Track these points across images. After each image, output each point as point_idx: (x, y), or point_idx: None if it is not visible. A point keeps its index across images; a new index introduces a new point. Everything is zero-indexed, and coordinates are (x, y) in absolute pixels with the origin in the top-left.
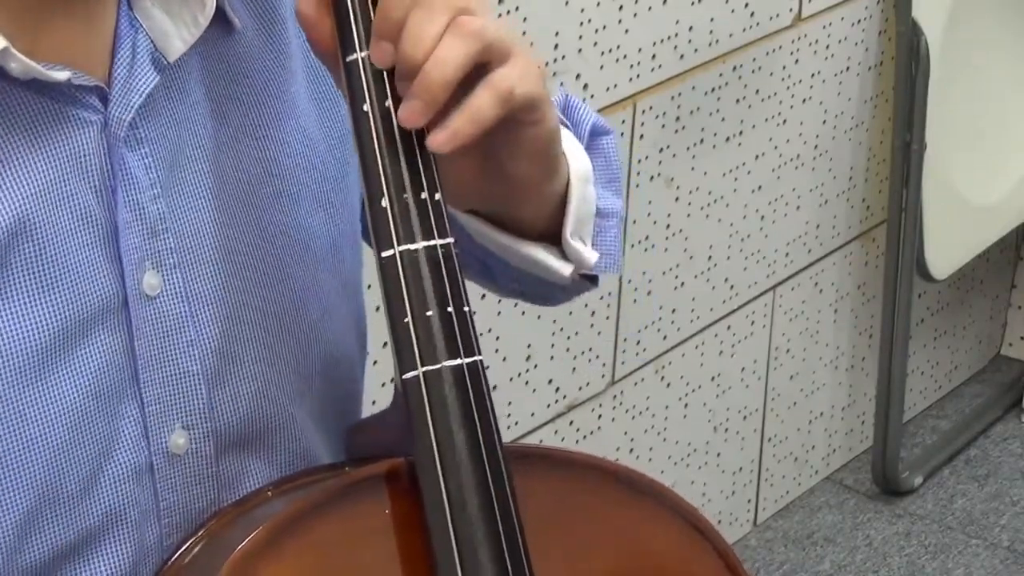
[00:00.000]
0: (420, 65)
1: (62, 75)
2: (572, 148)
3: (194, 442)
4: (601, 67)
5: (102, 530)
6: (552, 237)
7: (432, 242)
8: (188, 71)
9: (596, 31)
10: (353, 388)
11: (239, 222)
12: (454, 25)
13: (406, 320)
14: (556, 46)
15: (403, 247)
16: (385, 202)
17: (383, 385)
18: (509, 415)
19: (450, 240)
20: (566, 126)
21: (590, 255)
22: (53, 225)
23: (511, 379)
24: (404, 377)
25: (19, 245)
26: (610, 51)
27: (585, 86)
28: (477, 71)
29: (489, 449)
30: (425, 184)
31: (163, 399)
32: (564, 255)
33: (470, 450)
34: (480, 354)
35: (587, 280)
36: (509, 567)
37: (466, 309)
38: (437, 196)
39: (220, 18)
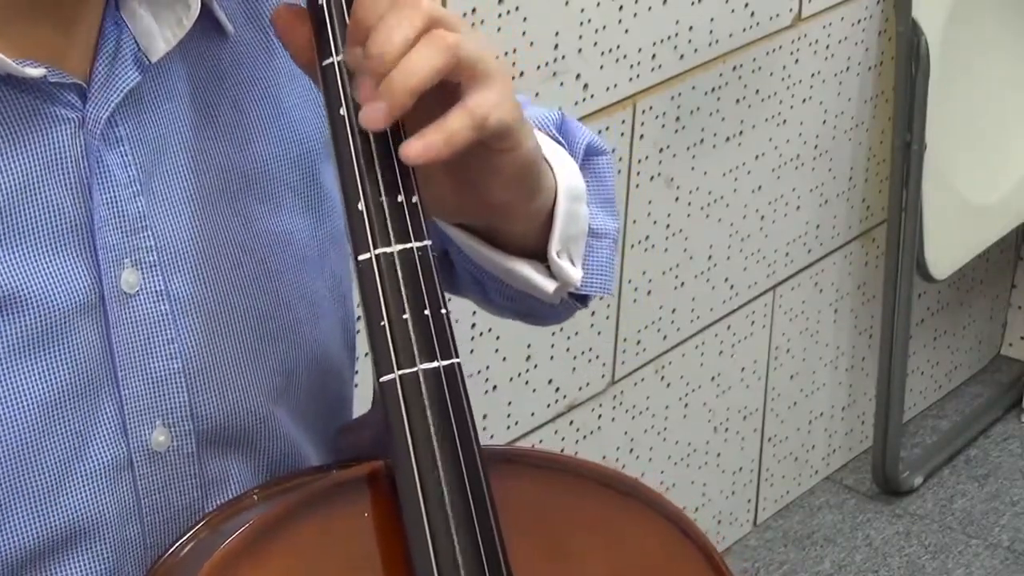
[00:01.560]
0: (386, 65)
1: (36, 72)
2: (564, 166)
3: (175, 440)
4: (601, 67)
5: (80, 526)
6: (540, 254)
7: (408, 245)
8: (173, 71)
9: (596, 31)
10: (341, 390)
11: (223, 222)
12: (429, 36)
13: (382, 323)
14: (556, 46)
15: (379, 250)
16: (361, 205)
17: None
18: (509, 415)
19: (427, 242)
20: (560, 144)
21: (575, 273)
22: (27, 222)
23: (511, 379)
24: (380, 380)
25: None
26: (610, 51)
27: (585, 86)
28: (450, 89)
29: (466, 451)
30: (401, 187)
31: (143, 397)
32: (551, 272)
33: (447, 453)
34: (457, 356)
35: (577, 300)
36: (486, 568)
37: (443, 311)
38: (414, 199)
39: (210, 21)
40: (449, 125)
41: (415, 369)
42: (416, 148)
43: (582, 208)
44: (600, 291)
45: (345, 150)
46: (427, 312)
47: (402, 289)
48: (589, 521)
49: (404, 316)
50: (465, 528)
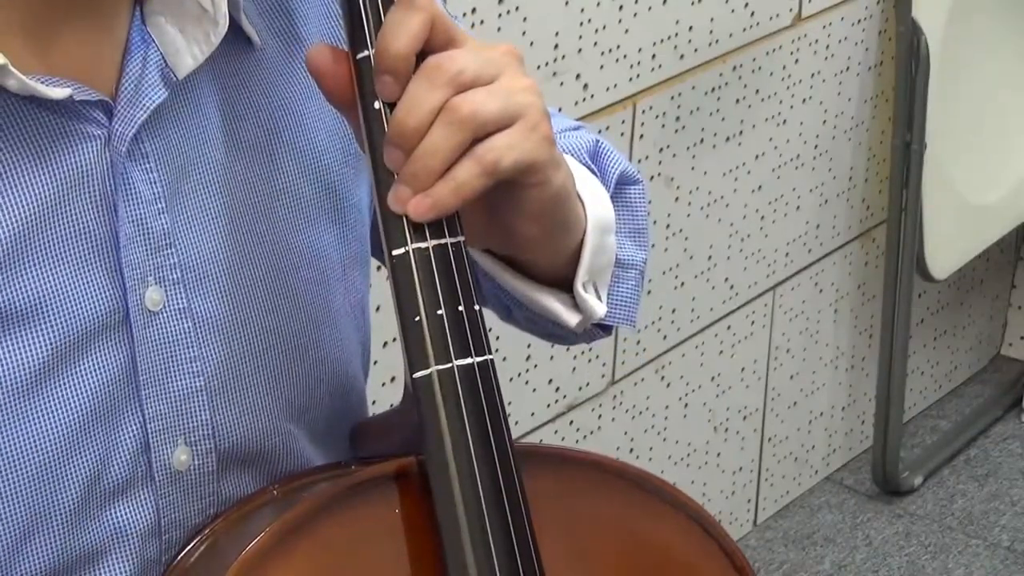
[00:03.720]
0: (410, 141)
1: (62, 92)
2: (595, 195)
3: (197, 458)
4: (601, 67)
5: (102, 545)
6: (566, 282)
7: (443, 240)
8: (200, 87)
9: (596, 31)
10: (357, 409)
11: (249, 238)
12: (446, 110)
13: (417, 319)
14: (556, 46)
15: (414, 245)
16: None
17: (383, 385)
18: (509, 415)
19: (461, 238)
20: (592, 172)
21: (598, 308)
22: (52, 240)
23: (511, 379)
24: (415, 376)
25: (18, 261)
26: (610, 51)
27: (585, 86)
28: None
29: (500, 447)
30: None
31: (165, 415)
32: (575, 303)
33: (482, 449)
34: (491, 353)
35: (600, 328)
36: (520, 564)
37: (477, 308)
38: None
39: (237, 35)
40: (457, 176)
41: (450, 365)
42: (424, 206)
43: (610, 239)
44: (624, 322)
45: (379, 144)
46: (461, 308)
47: (437, 284)
48: (614, 518)
49: (439, 312)
50: (499, 523)
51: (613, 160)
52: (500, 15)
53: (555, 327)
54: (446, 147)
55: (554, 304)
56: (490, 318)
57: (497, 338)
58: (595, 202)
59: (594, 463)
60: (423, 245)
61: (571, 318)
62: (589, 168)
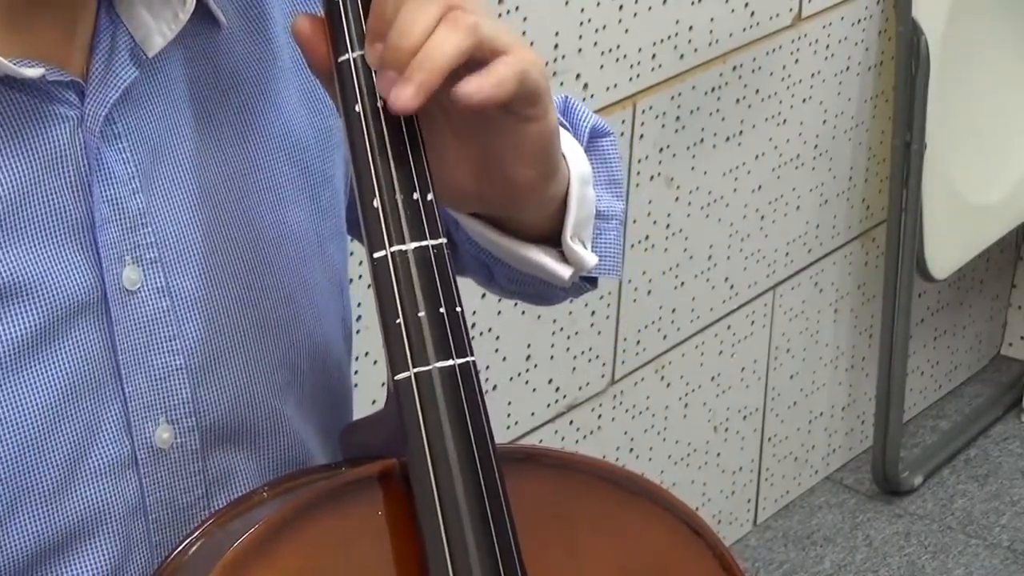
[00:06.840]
0: (408, 54)
1: (35, 72)
2: (571, 150)
3: (179, 436)
4: (601, 67)
5: (86, 524)
6: (552, 239)
7: (423, 243)
8: (170, 66)
9: (596, 31)
10: (342, 383)
11: (223, 216)
12: (447, 19)
13: (398, 321)
14: (556, 46)
15: (394, 248)
16: (377, 203)
17: (383, 385)
18: (509, 415)
19: (442, 240)
20: (565, 128)
21: (589, 258)
22: (29, 221)
23: (511, 379)
24: (396, 378)
25: None
26: (610, 51)
27: (585, 86)
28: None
29: (481, 450)
30: (417, 184)
31: (146, 393)
32: (564, 257)
33: (462, 451)
34: (472, 355)
35: (587, 282)
36: (501, 568)
37: (458, 310)
38: (429, 196)
39: (204, 14)
40: (497, 70)
41: (430, 367)
42: (469, 88)
43: (590, 191)
44: (610, 273)
45: (360, 147)
46: (442, 310)
47: (416, 287)
48: (601, 520)
49: (419, 314)
50: (480, 526)
51: (584, 114)
52: (500, 15)
53: (541, 285)
54: (451, 47)
55: (544, 259)
56: (489, 319)
57: (497, 338)
58: (572, 155)
59: (581, 465)
60: (403, 248)
61: (563, 271)
62: (561, 123)
